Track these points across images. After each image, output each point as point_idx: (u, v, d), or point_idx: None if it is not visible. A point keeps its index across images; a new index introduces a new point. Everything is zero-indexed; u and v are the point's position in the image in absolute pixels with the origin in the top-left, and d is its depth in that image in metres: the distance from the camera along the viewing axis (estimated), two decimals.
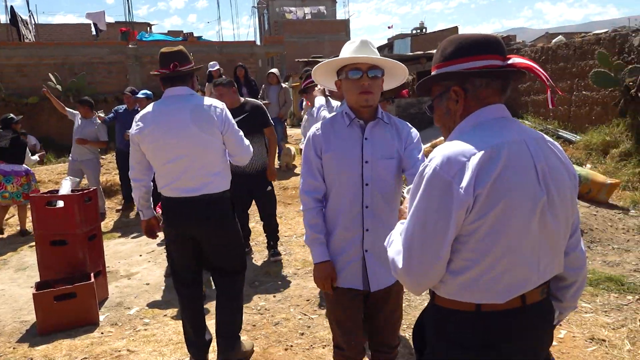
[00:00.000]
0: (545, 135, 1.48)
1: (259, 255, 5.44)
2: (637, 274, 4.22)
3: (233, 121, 3.07)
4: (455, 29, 34.23)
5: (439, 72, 1.47)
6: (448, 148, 1.33)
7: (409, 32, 40.17)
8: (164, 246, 5.60)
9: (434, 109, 1.54)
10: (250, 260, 5.26)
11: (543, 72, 1.43)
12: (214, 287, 3.28)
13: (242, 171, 4.87)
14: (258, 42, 18.09)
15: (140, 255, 5.78)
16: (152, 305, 4.33)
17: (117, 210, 7.83)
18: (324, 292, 2.35)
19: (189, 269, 3.17)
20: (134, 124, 2.99)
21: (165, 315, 4.08)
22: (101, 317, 4.08)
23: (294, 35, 32.05)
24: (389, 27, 44.79)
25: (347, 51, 2.20)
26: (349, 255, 2.26)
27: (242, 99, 4.92)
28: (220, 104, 3.03)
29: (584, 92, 7.91)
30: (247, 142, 3.17)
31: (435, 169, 1.30)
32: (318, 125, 2.30)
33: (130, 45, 14.46)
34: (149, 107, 3.01)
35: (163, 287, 4.73)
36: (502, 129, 1.39)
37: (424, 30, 41.45)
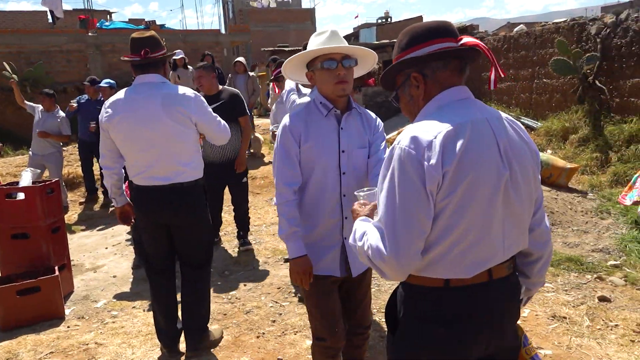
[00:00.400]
0: (506, 114, 1.53)
1: (229, 245, 5.41)
2: (595, 254, 4.40)
3: (206, 107, 3.04)
4: (420, 18, 34.49)
5: (397, 62, 1.54)
6: (414, 129, 1.38)
7: (375, 21, 40.30)
8: (130, 238, 5.52)
9: (399, 99, 1.60)
10: (220, 250, 5.22)
11: (489, 50, 1.51)
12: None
13: (216, 160, 4.83)
14: (223, 31, 17.82)
15: (106, 248, 5.66)
16: (120, 297, 4.26)
17: (81, 203, 7.63)
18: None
19: (161, 257, 3.16)
20: (103, 110, 2.92)
21: (134, 307, 4.02)
22: (67, 311, 3.99)
23: (259, 24, 31.69)
24: (355, 17, 44.81)
25: (317, 42, 2.19)
26: (329, 243, 2.28)
27: (220, 87, 4.85)
28: (191, 92, 2.98)
29: (544, 80, 8.12)
30: (222, 123, 3.14)
31: (405, 149, 1.35)
32: (293, 113, 2.28)
33: (90, 34, 14.02)
34: (120, 94, 2.94)
35: (131, 280, 4.65)
36: (464, 108, 1.44)
37: (389, 19, 41.62)
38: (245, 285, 4.31)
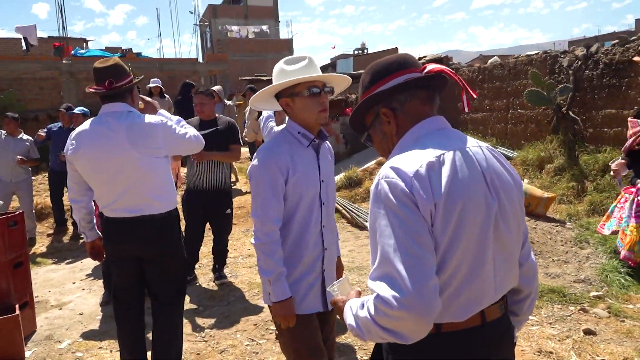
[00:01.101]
0: (487, 144, 1.47)
1: (203, 278, 5.21)
2: (577, 284, 4.35)
3: (173, 130, 2.86)
4: (396, 49, 35.27)
5: (363, 100, 1.48)
6: (395, 161, 1.30)
7: (351, 52, 41.01)
8: (101, 272, 5.27)
9: (372, 139, 1.53)
10: (194, 285, 5.01)
11: (455, 73, 1.44)
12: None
13: (199, 187, 4.67)
14: (200, 60, 17.81)
15: (74, 283, 5.39)
16: (86, 336, 4.02)
17: (49, 235, 7.33)
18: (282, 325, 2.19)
19: (129, 291, 3.02)
20: (68, 142, 2.82)
21: (100, 348, 3.78)
22: (27, 353, 3.72)
23: (237, 54, 31.85)
24: (332, 48, 45.67)
25: (296, 69, 2.09)
26: (311, 279, 2.20)
27: (216, 115, 4.76)
28: (157, 120, 2.85)
29: (519, 110, 8.24)
30: (190, 134, 2.94)
31: (391, 181, 1.25)
32: (274, 145, 2.13)
33: (64, 61, 13.82)
34: (85, 125, 2.83)
35: (99, 317, 4.40)
36: (444, 138, 1.37)
37: (365, 50, 42.43)
38: (220, 322, 4.12)
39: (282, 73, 2.11)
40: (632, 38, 6.55)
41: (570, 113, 7.07)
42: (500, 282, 1.37)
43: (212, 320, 4.14)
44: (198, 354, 3.57)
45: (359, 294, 1.51)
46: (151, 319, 3.00)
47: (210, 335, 3.87)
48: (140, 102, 3.17)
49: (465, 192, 1.26)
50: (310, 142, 2.14)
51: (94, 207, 3.08)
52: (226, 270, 5.19)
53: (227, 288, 4.87)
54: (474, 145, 1.40)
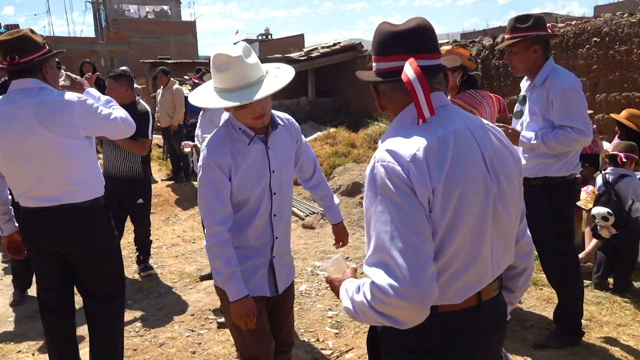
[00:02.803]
0: (486, 121, 1.44)
1: (127, 271, 4.86)
2: None
3: (94, 109, 2.56)
4: (301, 36, 35.41)
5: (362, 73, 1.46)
6: (392, 144, 1.25)
7: (255, 37, 40.49)
8: (7, 268, 4.75)
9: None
10: None
11: (414, 91, 1.28)
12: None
13: (112, 174, 4.33)
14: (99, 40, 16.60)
15: None
16: (0, 340, 3.61)
17: None
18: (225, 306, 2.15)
19: (54, 291, 2.69)
20: None
21: (19, 352, 3.41)
22: None
23: (137, 35, 30.05)
24: (235, 33, 44.70)
25: (225, 80, 1.89)
26: (257, 262, 2.18)
27: (137, 97, 4.37)
28: (74, 97, 2.51)
29: None
30: (117, 116, 2.66)
31: (387, 165, 1.21)
32: (214, 143, 2.04)
33: None
34: None
35: (11, 319, 3.96)
36: (444, 119, 1.31)
37: (270, 36, 42.09)
38: (153, 314, 3.90)
39: (213, 75, 1.96)
40: None
41: None
42: (497, 263, 1.37)
43: (145, 314, 3.91)
44: (135, 350, 3.35)
45: (354, 272, 1.49)
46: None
47: (145, 329, 3.65)
48: (63, 80, 2.86)
49: (464, 177, 1.24)
50: (251, 139, 2.04)
51: (9, 197, 2.72)
52: (151, 261, 4.92)
53: (155, 279, 4.62)
54: (473, 123, 1.36)
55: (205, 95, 1.98)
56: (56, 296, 2.70)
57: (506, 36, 2.95)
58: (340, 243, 2.59)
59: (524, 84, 3.12)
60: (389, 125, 1.40)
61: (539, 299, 3.79)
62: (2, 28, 15.39)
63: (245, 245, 2.14)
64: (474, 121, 1.38)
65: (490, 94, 3.55)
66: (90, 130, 2.55)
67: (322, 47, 12.29)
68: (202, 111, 4.41)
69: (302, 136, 2.35)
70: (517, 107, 3.14)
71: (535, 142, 2.85)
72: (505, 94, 7.33)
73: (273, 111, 2.14)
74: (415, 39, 1.33)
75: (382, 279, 1.16)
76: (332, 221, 2.57)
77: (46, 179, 2.47)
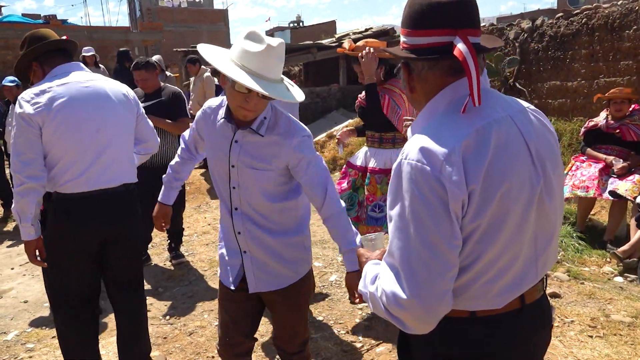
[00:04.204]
0: (527, 104, 1.30)
1: (158, 258, 4.93)
2: None
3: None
4: (333, 22, 35.06)
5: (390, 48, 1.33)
6: (424, 139, 1.11)
7: (287, 25, 40.36)
8: None
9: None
10: (149, 266, 4.74)
11: (476, 68, 1.13)
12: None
13: (147, 164, 4.34)
14: (133, 29, 16.80)
15: (12, 269, 4.93)
16: (36, 325, 3.68)
17: None
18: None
19: (88, 285, 2.58)
20: (24, 104, 2.28)
21: (54, 337, 3.46)
22: None
23: (169, 24, 30.32)
24: (267, 20, 44.70)
25: (247, 57, 1.77)
26: (227, 252, 2.16)
27: (162, 84, 4.40)
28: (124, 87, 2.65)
29: None
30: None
31: (416, 165, 1.08)
32: (212, 103, 2.10)
33: None
34: (46, 84, 2.35)
35: (47, 304, 4.04)
36: (482, 106, 1.16)
37: (301, 23, 41.90)
38: (183, 302, 3.91)
39: (235, 47, 1.84)
40: (575, 12, 6.76)
41: (517, 85, 7.26)
42: (543, 263, 1.25)
43: (175, 302, 3.92)
44: (165, 338, 3.36)
45: (383, 255, 1.41)
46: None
47: (175, 318, 3.66)
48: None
49: (508, 174, 1.11)
50: (222, 118, 1.98)
51: None
52: (182, 249, 4.94)
53: (186, 267, 4.63)
54: (513, 109, 1.21)
55: (219, 57, 1.83)
56: (88, 290, 2.59)
57: None
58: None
59: None
60: (420, 113, 1.26)
61: (580, 294, 3.61)
62: (41, 19, 15.75)
63: (222, 230, 2.17)
64: (514, 106, 1.24)
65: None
66: (138, 115, 2.68)
67: (354, 33, 12.08)
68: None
69: (309, 156, 1.95)
70: None
71: None
72: (544, 78, 7.03)
73: (287, 119, 1.98)
74: (463, 11, 1.17)
75: (390, 285, 1.12)
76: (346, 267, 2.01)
77: (108, 155, 2.44)
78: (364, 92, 3.33)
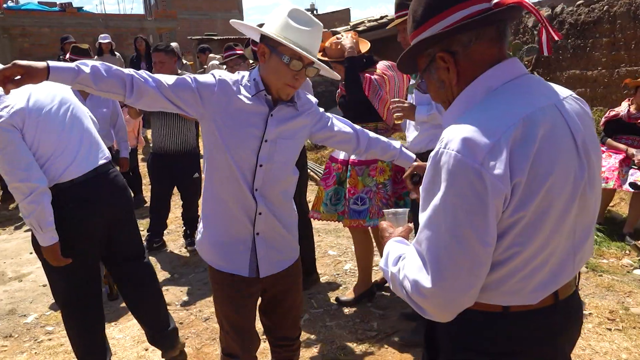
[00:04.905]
0: (570, 91, 1.23)
1: (174, 244, 4.97)
2: None
3: None
4: (347, 10, 34.70)
5: (415, 42, 1.21)
6: (467, 129, 1.04)
7: None
8: None
9: (427, 85, 1.27)
10: (164, 252, 4.78)
11: (534, 7, 1.11)
12: None
13: (165, 150, 4.41)
14: (148, 17, 16.83)
15: (31, 253, 4.95)
16: (55, 308, 3.73)
17: None
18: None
19: (97, 271, 2.58)
20: (1, 110, 2.16)
21: None
22: None
23: (184, 12, 30.31)
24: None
25: (298, 28, 1.77)
26: (235, 237, 1.98)
27: (179, 71, 4.42)
28: None
29: None
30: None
31: (457, 156, 1.02)
32: (229, 77, 1.91)
33: None
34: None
35: None
36: (526, 93, 1.11)
37: (315, 11, 41.56)
38: (199, 289, 3.94)
39: (281, 24, 1.80)
40: None
41: (536, 73, 7.14)
42: (581, 256, 1.21)
43: (191, 288, 3.96)
44: (181, 323, 3.39)
45: (408, 232, 1.41)
46: None
47: (191, 303, 3.69)
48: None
49: (553, 167, 1.06)
50: (257, 91, 1.86)
51: None
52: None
53: None
54: (559, 98, 1.14)
55: (270, 32, 1.80)
56: (98, 277, 2.60)
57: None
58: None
59: None
60: (456, 100, 1.19)
61: (598, 286, 3.57)
62: (57, 7, 15.82)
63: (228, 217, 1.95)
64: (558, 94, 1.17)
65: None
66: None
67: (369, 21, 11.94)
68: None
69: (325, 113, 2.09)
70: (411, 82, 3.15)
71: (432, 113, 2.73)
72: (563, 67, 6.91)
73: (299, 91, 1.98)
74: None
75: (414, 272, 1.10)
76: (407, 165, 2.13)
77: (87, 137, 2.48)
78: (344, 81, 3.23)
